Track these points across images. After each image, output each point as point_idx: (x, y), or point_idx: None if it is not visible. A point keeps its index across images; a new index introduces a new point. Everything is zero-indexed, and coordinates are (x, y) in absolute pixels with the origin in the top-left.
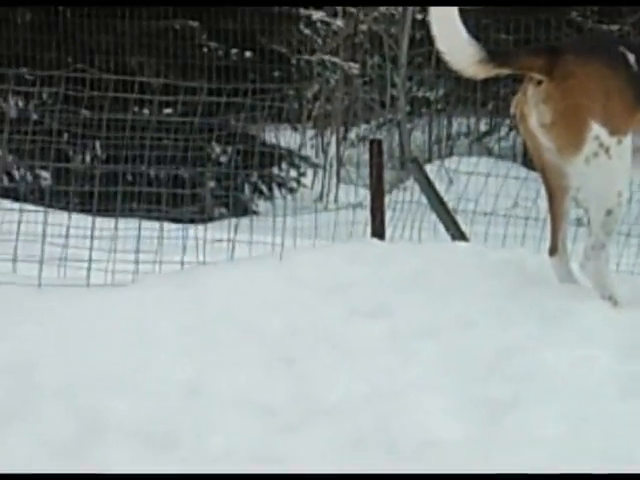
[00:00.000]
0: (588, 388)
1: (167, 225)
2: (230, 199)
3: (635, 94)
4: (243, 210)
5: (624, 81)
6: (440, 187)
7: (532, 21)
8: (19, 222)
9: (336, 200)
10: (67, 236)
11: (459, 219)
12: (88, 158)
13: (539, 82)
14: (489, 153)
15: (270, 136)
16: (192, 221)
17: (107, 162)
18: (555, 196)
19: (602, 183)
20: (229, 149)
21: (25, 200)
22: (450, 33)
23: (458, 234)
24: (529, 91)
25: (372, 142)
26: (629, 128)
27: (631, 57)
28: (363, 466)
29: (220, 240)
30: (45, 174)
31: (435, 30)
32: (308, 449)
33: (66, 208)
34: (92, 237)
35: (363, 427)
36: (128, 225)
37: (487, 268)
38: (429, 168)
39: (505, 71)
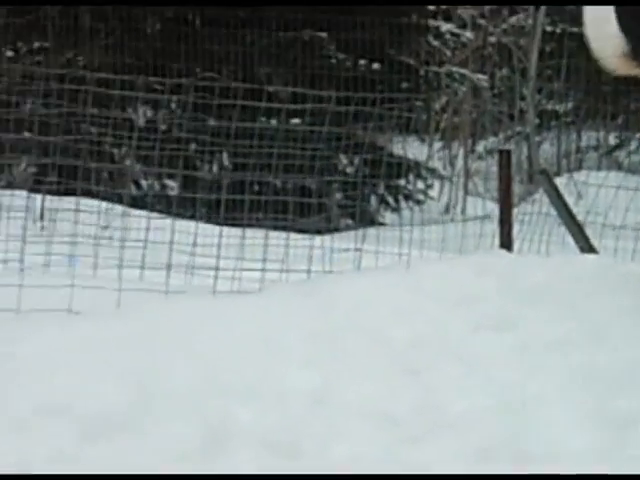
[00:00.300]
0: None
1: (293, 235)
2: (357, 209)
3: None
4: (369, 221)
5: None
6: (569, 200)
7: None
8: (147, 229)
9: (463, 212)
10: (195, 244)
11: (588, 232)
12: (215, 167)
13: None
14: (619, 167)
15: (397, 147)
16: (318, 232)
17: (234, 171)
18: None
19: None
20: (356, 160)
21: (152, 209)
22: (601, 20)
23: (587, 247)
24: None
25: (501, 152)
26: None
27: None
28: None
29: (347, 249)
30: (172, 183)
31: (587, 16)
32: (432, 460)
33: (193, 217)
34: (219, 245)
35: (488, 439)
36: (255, 234)
37: (615, 281)
38: (558, 181)
39: None
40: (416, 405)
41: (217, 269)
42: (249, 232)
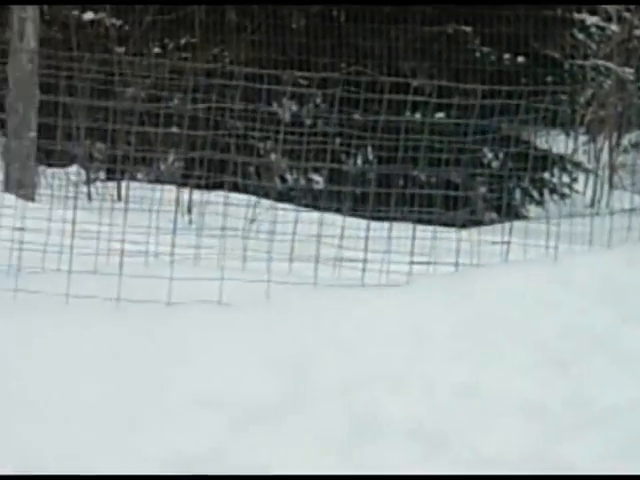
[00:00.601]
0: None
1: (439, 228)
2: (503, 203)
3: None
4: (514, 215)
5: None
6: None
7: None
8: (295, 222)
9: (608, 206)
10: (342, 237)
11: None
12: (359, 161)
13: None
14: None
15: (542, 141)
16: (463, 225)
17: (379, 165)
18: None
19: None
20: (500, 153)
21: (298, 203)
22: None
23: None
24: None
25: None
26: None
27: None
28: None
29: (495, 242)
30: (317, 177)
31: None
32: (577, 458)
33: (338, 210)
34: (367, 238)
35: (634, 436)
36: (400, 227)
37: None
38: None
39: None
40: (564, 398)
41: (365, 262)
42: (395, 225)
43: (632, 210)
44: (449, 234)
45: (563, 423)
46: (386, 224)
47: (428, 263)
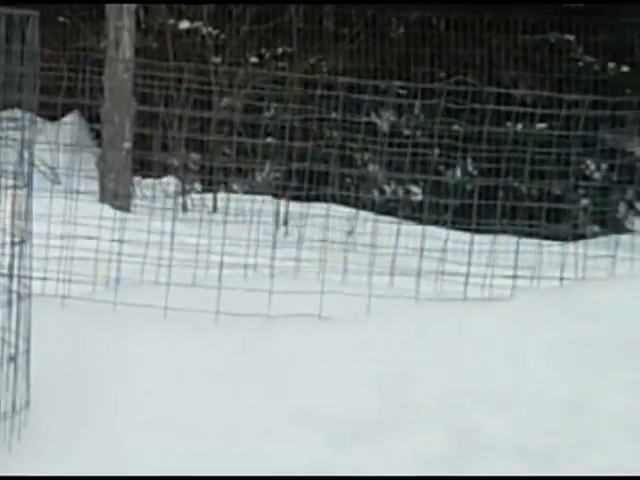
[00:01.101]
0: None
1: (542, 241)
2: (608, 216)
3: None
4: (618, 228)
5: None
6: None
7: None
8: (397, 235)
9: None
10: (444, 250)
11: None
12: (459, 172)
13: None
14: None
15: None
16: (565, 239)
17: (479, 176)
18: None
19: None
20: (603, 165)
21: (396, 214)
22: None
23: None
24: None
25: None
26: None
27: None
28: None
29: (600, 256)
30: (416, 189)
31: None
32: None
33: (437, 222)
34: (470, 252)
35: None
36: (502, 240)
37: None
38: None
39: None
40: None
41: (467, 275)
42: (498, 238)
43: None
44: (552, 247)
45: None
46: (488, 237)
47: (532, 277)
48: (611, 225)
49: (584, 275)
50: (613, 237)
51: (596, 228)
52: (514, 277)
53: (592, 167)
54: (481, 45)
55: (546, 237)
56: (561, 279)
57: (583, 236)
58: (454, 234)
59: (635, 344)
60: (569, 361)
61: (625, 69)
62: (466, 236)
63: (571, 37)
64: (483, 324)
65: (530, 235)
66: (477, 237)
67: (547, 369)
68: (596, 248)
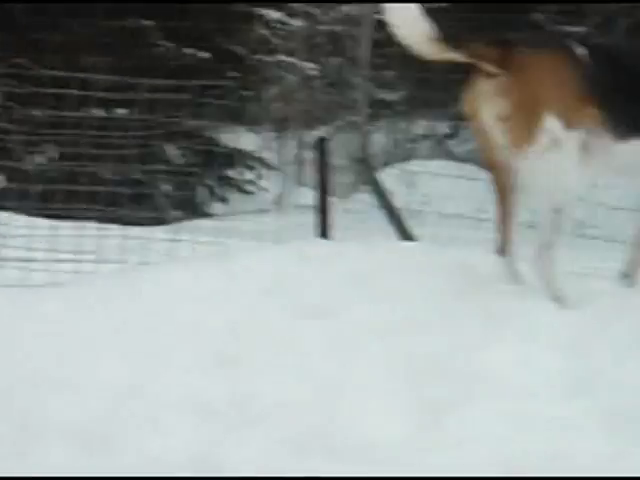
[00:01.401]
0: (532, 388)
1: (108, 226)
2: (187, 200)
3: (586, 88)
4: (200, 212)
5: (577, 75)
6: (400, 190)
7: (494, 20)
8: None
9: (294, 203)
10: (4, 236)
11: (420, 222)
12: (41, 158)
13: (489, 75)
14: (450, 156)
15: (227, 138)
16: (149, 223)
17: (61, 161)
18: (504, 195)
19: (551, 179)
20: (184, 150)
21: None
22: (403, 7)
23: (406, 235)
24: (479, 85)
25: (319, 141)
26: (581, 123)
27: (581, 51)
28: (303, 471)
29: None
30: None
31: (388, 4)
32: (246, 453)
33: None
34: (33, 237)
35: (304, 430)
36: (71, 225)
37: (435, 269)
38: (389, 171)
39: (456, 57)
40: (231, 396)
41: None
42: (70, 224)
43: (312, 207)
44: (118, 231)
45: (229, 420)
46: (68, 223)
47: (94, 262)
48: (193, 210)
49: (147, 259)
50: (195, 222)
51: (178, 213)
52: (77, 262)
53: (173, 152)
54: (61, 29)
55: (128, 222)
56: (122, 263)
57: (165, 221)
58: (33, 220)
59: (194, 324)
60: (130, 344)
61: (204, 55)
62: (45, 222)
63: (150, 23)
64: (49, 309)
65: (113, 220)
66: (54, 222)
67: (107, 352)
68: (169, 232)
